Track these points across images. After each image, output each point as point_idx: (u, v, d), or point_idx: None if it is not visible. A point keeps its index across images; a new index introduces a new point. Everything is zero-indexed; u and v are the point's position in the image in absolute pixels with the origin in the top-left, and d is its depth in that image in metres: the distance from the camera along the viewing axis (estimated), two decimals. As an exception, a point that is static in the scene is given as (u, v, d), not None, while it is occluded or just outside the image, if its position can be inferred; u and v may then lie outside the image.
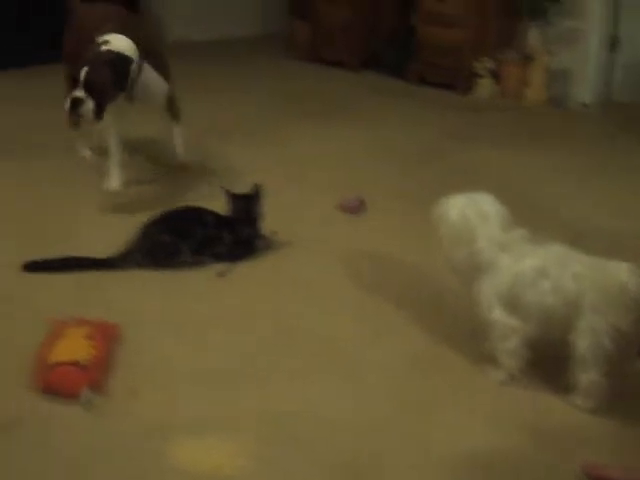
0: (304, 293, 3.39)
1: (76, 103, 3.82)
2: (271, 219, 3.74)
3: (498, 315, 2.75)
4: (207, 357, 2.93)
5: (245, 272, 3.56)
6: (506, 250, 2.75)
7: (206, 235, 3.56)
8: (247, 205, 3.64)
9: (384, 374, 2.86)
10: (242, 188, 3.71)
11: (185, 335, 3.07)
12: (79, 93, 3.80)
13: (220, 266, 3.55)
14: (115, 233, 3.73)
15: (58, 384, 2.66)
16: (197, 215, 3.62)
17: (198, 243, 3.55)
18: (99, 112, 3.85)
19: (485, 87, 6.61)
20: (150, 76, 4.19)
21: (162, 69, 4.33)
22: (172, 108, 4.57)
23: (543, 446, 2.51)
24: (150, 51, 4.20)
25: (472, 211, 2.78)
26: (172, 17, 8.49)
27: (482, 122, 5.97)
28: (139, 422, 2.57)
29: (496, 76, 6.63)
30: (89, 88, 3.79)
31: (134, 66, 4.00)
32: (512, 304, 2.74)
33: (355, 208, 4.15)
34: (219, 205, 3.67)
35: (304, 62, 7.71)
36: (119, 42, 3.98)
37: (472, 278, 2.81)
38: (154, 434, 2.51)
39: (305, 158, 5.05)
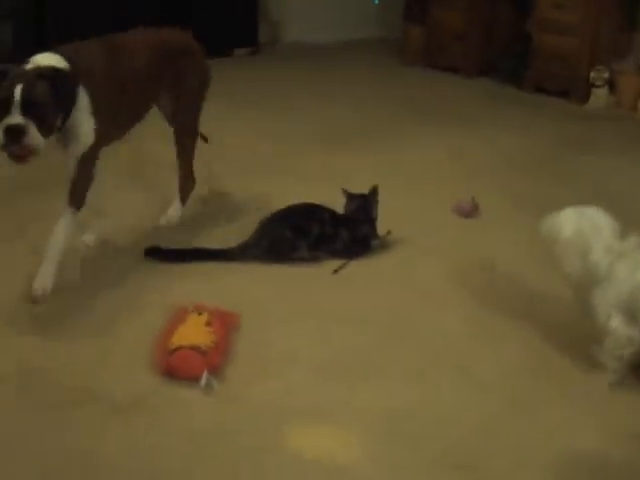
0: (417, 292, 3.44)
1: (16, 133, 2.91)
2: (386, 220, 3.81)
3: (616, 324, 2.76)
4: (323, 350, 3.00)
5: (360, 270, 3.62)
6: (623, 258, 2.77)
7: (323, 232, 3.65)
8: (364, 205, 3.73)
9: (495, 375, 2.89)
10: (356, 191, 3.78)
11: (301, 328, 3.15)
12: (17, 119, 2.90)
13: (335, 263, 3.64)
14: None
15: (179, 367, 2.76)
16: (315, 212, 3.70)
17: (315, 240, 3.64)
18: (43, 142, 2.99)
19: (601, 97, 6.54)
20: (82, 112, 3.16)
21: (98, 111, 3.21)
22: (75, 181, 3.27)
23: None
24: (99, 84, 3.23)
25: (586, 224, 2.80)
26: (288, 19, 8.62)
27: (597, 132, 5.91)
28: (256, 408, 2.65)
29: (611, 86, 6.58)
30: (28, 110, 2.91)
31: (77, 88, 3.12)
32: (631, 313, 2.74)
33: (469, 212, 4.18)
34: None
35: (418, 67, 7.73)
36: (48, 60, 3.09)
37: (588, 288, 2.82)
38: (270, 420, 2.59)
39: (420, 162, 5.08)
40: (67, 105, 3.07)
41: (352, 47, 8.53)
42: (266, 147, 5.24)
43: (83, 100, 3.13)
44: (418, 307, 3.33)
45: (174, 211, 4.01)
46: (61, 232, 3.23)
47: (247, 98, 6.49)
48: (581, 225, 2.81)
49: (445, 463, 2.43)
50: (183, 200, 4.02)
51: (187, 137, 3.92)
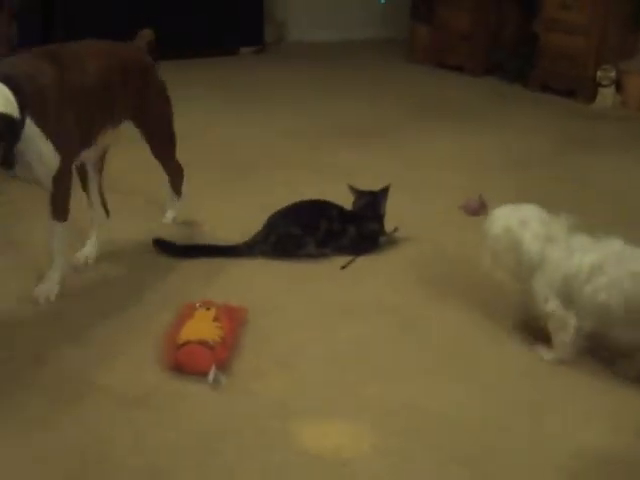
0: (424, 289, 3.44)
1: None
2: (393, 217, 3.81)
3: (554, 306, 2.85)
4: (330, 345, 3.00)
5: (368, 266, 3.62)
6: (554, 242, 2.88)
7: (331, 229, 3.65)
8: (373, 202, 3.73)
9: (502, 373, 2.88)
10: (364, 187, 3.80)
11: (309, 323, 3.15)
12: None
13: (343, 259, 3.64)
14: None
15: (187, 362, 2.75)
16: (323, 209, 3.70)
17: (322, 236, 3.64)
18: None
19: (607, 96, 6.54)
20: (33, 139, 2.94)
21: (55, 133, 3.00)
22: (55, 197, 3.16)
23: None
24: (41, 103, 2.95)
25: (514, 221, 2.94)
26: (293, 19, 8.64)
27: (603, 131, 5.92)
28: (263, 402, 2.65)
29: (618, 86, 6.58)
30: None
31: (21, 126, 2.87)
32: (566, 297, 2.83)
33: (476, 210, 4.16)
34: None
35: (424, 66, 7.75)
36: None
37: (529, 279, 2.92)
38: (277, 414, 2.58)
39: (428, 159, 5.11)
40: (10, 143, 2.85)
41: (358, 46, 8.56)
42: (279, 142, 5.28)
43: (31, 129, 2.90)
44: (425, 304, 3.33)
45: (174, 206, 4.01)
46: (58, 245, 3.25)
47: (253, 94, 6.53)
48: (509, 222, 2.95)
49: (450, 458, 2.43)
50: (178, 192, 3.98)
51: (167, 151, 3.77)
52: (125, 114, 3.43)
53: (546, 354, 2.92)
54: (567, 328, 2.85)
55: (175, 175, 3.93)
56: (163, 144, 3.72)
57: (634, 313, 2.72)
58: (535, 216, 2.94)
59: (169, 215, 4.01)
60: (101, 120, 3.30)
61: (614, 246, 2.81)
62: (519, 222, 2.93)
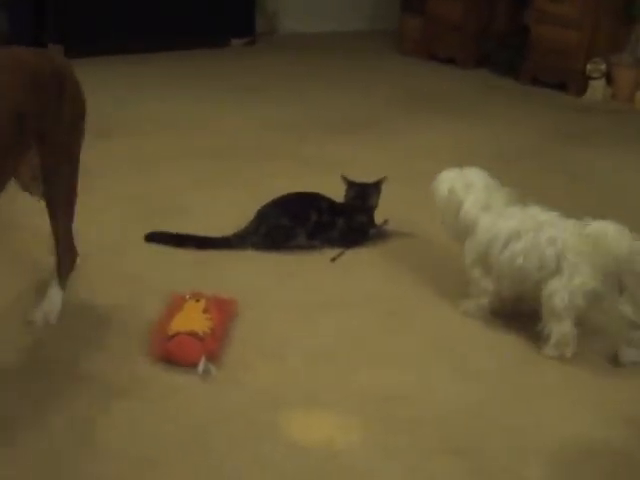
0: (414, 281, 3.45)
1: None
2: (382, 209, 3.82)
3: (477, 274, 3.04)
4: (320, 336, 3.01)
5: (357, 258, 3.63)
6: (488, 211, 3.04)
7: (320, 221, 3.66)
8: (363, 193, 3.74)
9: (491, 362, 2.90)
10: (355, 178, 3.80)
11: (299, 314, 3.15)
12: None
13: (333, 251, 3.64)
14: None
15: (176, 353, 2.76)
16: (313, 200, 3.71)
17: (312, 228, 3.65)
18: None
19: (597, 89, 6.55)
20: None
21: None
22: None
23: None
24: None
25: (459, 184, 3.11)
26: (285, 10, 8.61)
27: (592, 124, 5.93)
28: (253, 393, 2.66)
29: (608, 79, 6.59)
30: None
31: None
32: (486, 264, 3.01)
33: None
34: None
35: (414, 58, 7.74)
36: None
37: (463, 241, 3.12)
38: (267, 406, 2.59)
39: (417, 152, 5.10)
40: None
41: (349, 38, 8.53)
42: (267, 134, 5.27)
43: None
44: (415, 296, 3.34)
45: (52, 301, 3.03)
46: None
47: (245, 86, 6.51)
48: (455, 184, 3.13)
49: (441, 449, 2.44)
50: (62, 282, 3.06)
51: (65, 196, 2.92)
52: (31, 139, 2.67)
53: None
54: (483, 296, 3.05)
55: (66, 252, 3.04)
56: (64, 183, 2.89)
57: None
58: (480, 181, 3.11)
59: (47, 309, 3.03)
60: (16, 149, 2.62)
61: (534, 212, 2.97)
62: (464, 185, 3.10)
